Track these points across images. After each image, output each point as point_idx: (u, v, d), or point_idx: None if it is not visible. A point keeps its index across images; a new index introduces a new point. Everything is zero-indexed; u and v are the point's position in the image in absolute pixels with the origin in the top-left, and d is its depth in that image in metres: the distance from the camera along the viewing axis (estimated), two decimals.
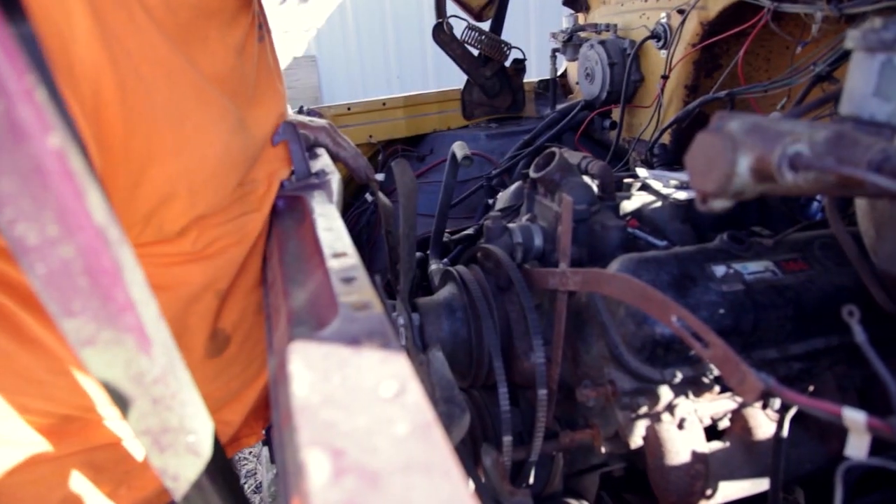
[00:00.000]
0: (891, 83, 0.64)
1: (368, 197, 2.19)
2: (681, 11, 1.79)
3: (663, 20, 1.90)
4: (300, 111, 2.10)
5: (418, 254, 1.51)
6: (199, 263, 0.82)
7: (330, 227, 0.68)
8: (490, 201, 1.93)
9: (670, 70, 1.87)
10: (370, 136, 2.45)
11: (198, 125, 0.74)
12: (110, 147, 0.64)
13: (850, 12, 1.25)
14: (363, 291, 0.50)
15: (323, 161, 1.04)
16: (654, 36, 1.93)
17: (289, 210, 0.87)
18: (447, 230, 1.59)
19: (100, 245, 0.36)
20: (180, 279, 0.81)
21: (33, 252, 0.34)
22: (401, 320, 1.01)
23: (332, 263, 0.57)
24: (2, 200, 0.32)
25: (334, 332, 0.44)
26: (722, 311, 0.92)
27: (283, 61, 7.36)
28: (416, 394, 0.35)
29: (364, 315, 0.46)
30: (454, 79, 2.50)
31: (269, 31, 0.98)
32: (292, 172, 0.96)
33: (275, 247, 0.79)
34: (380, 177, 2.22)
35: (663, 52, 1.90)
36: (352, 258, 0.58)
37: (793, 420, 0.81)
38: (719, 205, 0.56)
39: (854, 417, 0.52)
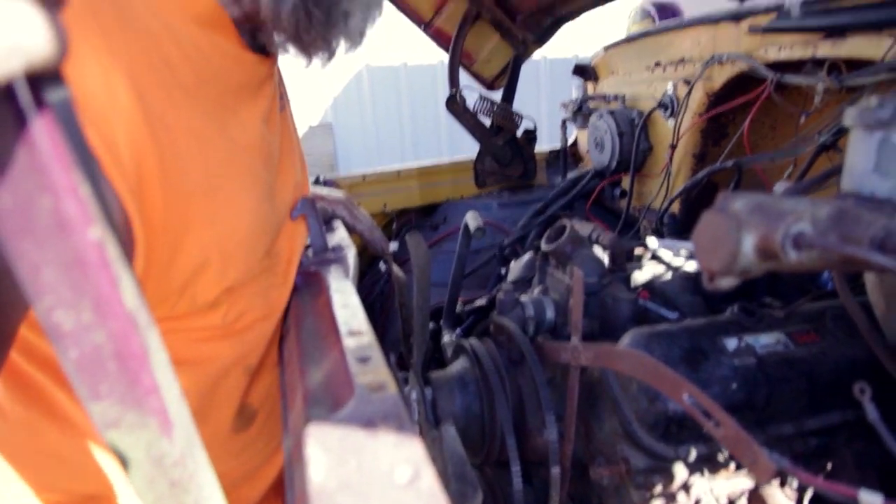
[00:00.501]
0: (889, 160, 0.65)
1: (382, 266, 2.21)
2: (687, 82, 1.85)
3: (670, 91, 1.95)
4: (317, 181, 2.15)
5: (431, 325, 1.52)
6: (229, 339, 0.83)
7: (346, 303, 0.69)
8: (503, 270, 1.94)
9: (678, 139, 1.91)
10: (384, 206, 2.50)
11: (229, 194, 0.76)
12: (151, 220, 0.65)
13: (850, 84, 1.29)
14: (378, 372, 0.51)
15: (339, 235, 1.07)
16: (662, 106, 1.98)
17: (306, 285, 0.89)
18: (460, 300, 1.60)
19: (130, 330, 0.38)
20: (211, 355, 0.82)
21: (68, 337, 0.36)
22: (413, 394, 1.02)
23: (348, 342, 0.58)
24: (43, 289, 0.34)
25: (350, 414, 0.45)
26: (734, 385, 0.91)
27: (301, 129, 7.54)
28: (430, 479, 0.36)
29: (379, 396, 0.47)
30: (468, 146, 2.55)
31: (288, 101, 1.02)
32: (308, 247, 0.99)
33: (292, 323, 0.81)
34: (393, 246, 2.26)
35: (671, 122, 1.95)
36: (367, 336, 0.59)
37: (812, 499, 0.80)
38: (726, 283, 0.57)
39: (871, 501, 0.52)
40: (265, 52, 0.85)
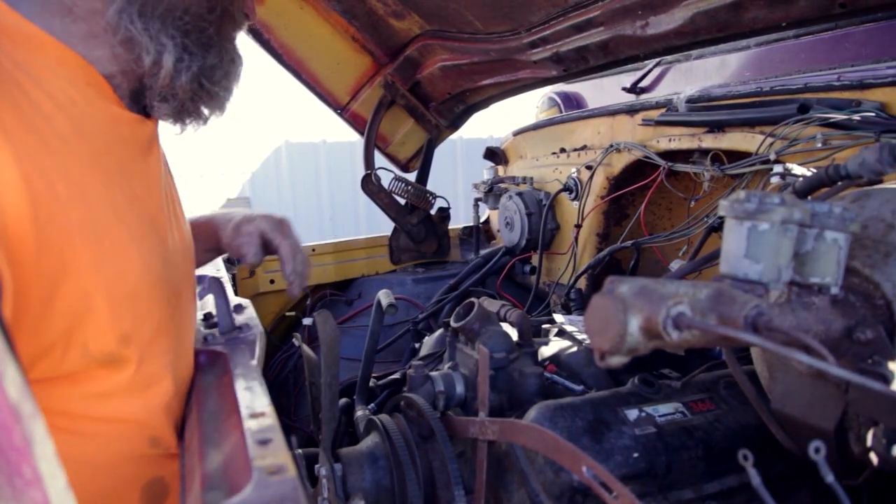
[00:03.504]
0: (758, 246, 0.71)
1: (295, 341, 2.16)
2: (589, 167, 1.96)
3: (574, 175, 2.06)
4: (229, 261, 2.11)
5: (345, 400, 1.50)
6: (131, 396, 0.80)
7: (249, 385, 0.69)
8: (416, 345, 1.95)
9: (583, 220, 2.01)
10: None
11: (116, 242, 0.76)
12: (22, 262, 0.66)
13: (730, 173, 1.42)
14: (278, 454, 0.51)
15: (247, 314, 1.06)
16: (567, 189, 2.09)
17: (209, 365, 0.87)
18: (374, 374, 1.59)
19: (12, 422, 0.37)
20: (113, 414, 0.79)
21: None
22: (323, 471, 1.00)
23: (250, 424, 0.58)
24: None
25: (245, 500, 0.44)
26: (636, 454, 0.95)
27: (218, 202, 7.44)
28: None
29: (278, 479, 0.47)
30: (387, 221, 2.58)
31: (169, 170, 1.05)
32: (215, 325, 0.97)
33: (194, 403, 0.79)
34: (307, 321, 2.22)
35: (576, 203, 2.05)
36: (269, 418, 0.59)
37: None
38: (616, 361, 0.61)
39: None
40: (146, 114, 0.89)
